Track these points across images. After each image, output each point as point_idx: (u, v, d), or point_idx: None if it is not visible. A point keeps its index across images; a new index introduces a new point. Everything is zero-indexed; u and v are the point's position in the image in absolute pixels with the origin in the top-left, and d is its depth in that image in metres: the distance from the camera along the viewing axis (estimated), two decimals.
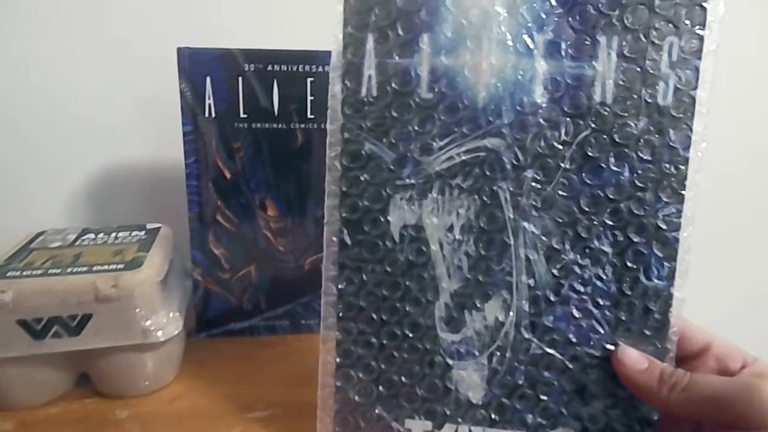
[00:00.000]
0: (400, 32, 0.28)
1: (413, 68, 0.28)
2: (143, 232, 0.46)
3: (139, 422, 0.36)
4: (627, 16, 0.27)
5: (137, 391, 0.39)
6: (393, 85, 0.28)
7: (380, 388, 0.30)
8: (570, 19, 0.27)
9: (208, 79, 0.42)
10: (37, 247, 0.42)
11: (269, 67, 0.42)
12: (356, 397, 0.30)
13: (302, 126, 0.44)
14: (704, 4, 0.26)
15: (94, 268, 0.37)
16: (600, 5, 0.27)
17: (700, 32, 0.26)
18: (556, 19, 0.27)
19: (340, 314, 0.30)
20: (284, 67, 0.43)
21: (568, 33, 0.27)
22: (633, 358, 0.28)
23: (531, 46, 0.27)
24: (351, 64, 0.28)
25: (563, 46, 0.27)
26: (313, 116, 0.44)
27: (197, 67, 0.42)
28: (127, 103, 0.56)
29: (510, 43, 0.27)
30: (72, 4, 0.53)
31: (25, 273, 0.36)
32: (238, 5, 0.56)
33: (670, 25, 0.27)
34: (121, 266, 0.38)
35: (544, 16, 0.27)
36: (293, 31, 0.52)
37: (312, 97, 0.43)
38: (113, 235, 0.45)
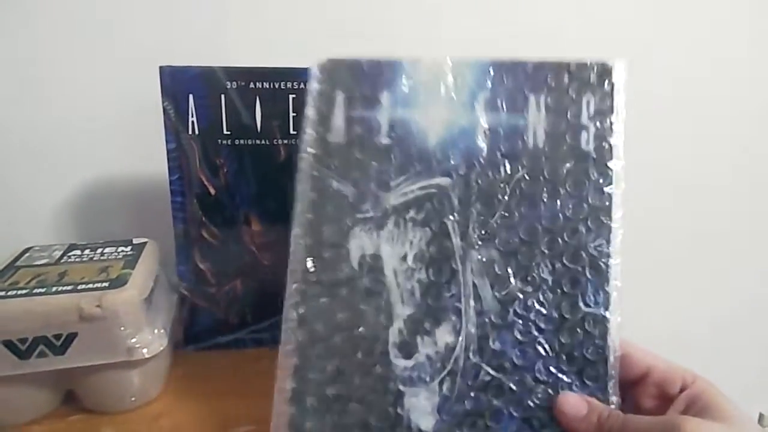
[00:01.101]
0: (366, 91, 0.32)
1: (375, 119, 0.32)
2: (129, 248, 0.46)
3: None
4: (550, 78, 0.32)
5: (123, 407, 0.39)
6: (357, 132, 0.32)
7: (334, 417, 0.30)
8: (505, 80, 0.32)
9: (190, 97, 0.43)
10: (23, 264, 0.42)
11: (251, 84, 0.43)
12: (309, 424, 0.30)
13: (285, 142, 0.44)
14: (609, 70, 0.31)
15: (79, 287, 0.38)
16: (527, 70, 0.32)
17: (609, 91, 0.31)
18: (493, 80, 0.32)
19: (300, 339, 0.31)
20: (266, 84, 0.43)
21: (504, 91, 0.32)
22: (572, 405, 0.29)
23: (474, 102, 0.32)
24: (322, 114, 0.32)
25: (500, 101, 0.32)
26: (295, 132, 0.44)
27: (180, 85, 0.42)
28: (111, 119, 0.56)
29: (455, 98, 0.32)
30: (54, 22, 0.53)
31: (10, 293, 0.37)
32: (219, 23, 0.56)
33: (585, 85, 0.31)
34: (105, 284, 0.38)
35: (484, 79, 0.32)
36: (274, 48, 0.52)
37: (294, 114, 0.44)
38: (99, 251, 0.45)
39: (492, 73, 0.32)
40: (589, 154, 0.31)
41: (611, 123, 0.31)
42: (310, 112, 0.32)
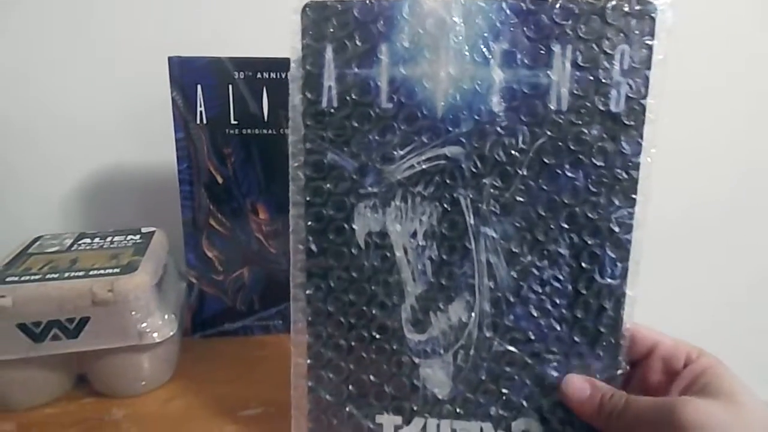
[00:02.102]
0: (358, 43, 0.28)
1: (372, 79, 0.28)
2: (138, 236, 0.47)
3: (136, 422, 0.37)
4: (580, 26, 0.27)
5: (134, 391, 0.40)
6: (353, 95, 0.29)
7: (350, 387, 0.31)
8: (525, 28, 0.27)
9: (198, 87, 0.43)
10: (35, 252, 0.43)
11: (258, 75, 0.44)
12: (328, 397, 0.31)
13: None
14: (653, 15, 0.27)
15: (91, 273, 0.38)
16: (554, 15, 0.27)
17: (649, 42, 0.27)
18: (511, 28, 0.27)
19: (309, 319, 0.31)
20: (273, 75, 0.44)
21: (524, 42, 0.27)
22: (576, 387, 0.30)
23: (487, 55, 0.28)
24: (310, 75, 0.29)
25: (519, 55, 0.27)
26: None
27: (188, 75, 0.43)
28: (120, 109, 0.57)
29: (467, 52, 0.28)
30: (65, 13, 0.54)
31: (23, 278, 0.38)
32: (226, 14, 0.57)
33: (621, 34, 0.27)
34: (117, 270, 0.39)
35: (499, 26, 0.27)
36: (281, 39, 0.52)
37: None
38: (109, 239, 0.46)
39: (510, 19, 0.27)
40: (619, 117, 0.27)
41: (647, 80, 0.27)
42: (295, 72, 0.28)
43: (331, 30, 0.28)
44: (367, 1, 0.28)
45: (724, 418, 0.25)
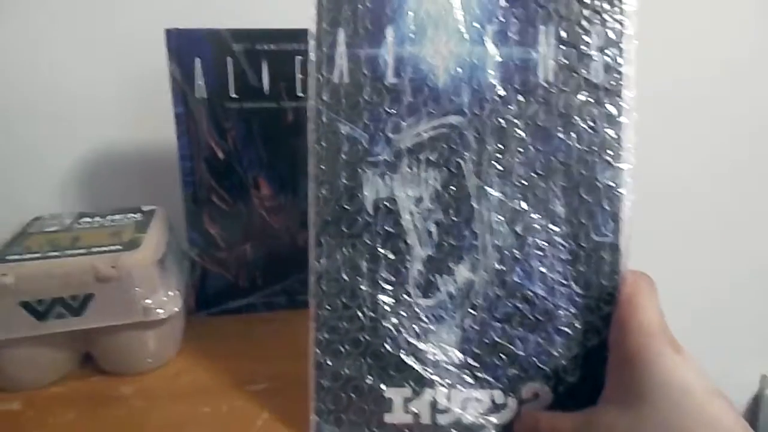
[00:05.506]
0: (368, 26, 0.31)
1: (381, 57, 0.31)
2: (139, 215, 0.46)
3: (144, 397, 0.37)
4: (561, 8, 0.31)
5: (140, 368, 0.40)
6: (364, 72, 0.31)
7: (368, 359, 0.32)
8: (514, 11, 0.31)
9: (197, 60, 0.42)
10: (35, 231, 0.43)
11: (258, 46, 0.43)
12: (346, 371, 0.32)
13: (292, 104, 0.44)
14: None
15: (93, 250, 0.38)
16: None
17: (621, 18, 0.31)
18: (502, 11, 0.31)
19: (324, 289, 0.32)
20: (273, 46, 0.43)
21: (514, 23, 0.31)
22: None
23: (483, 35, 0.31)
24: (325, 55, 0.31)
25: (510, 34, 0.31)
26: (302, 94, 0.44)
27: (186, 48, 0.42)
28: (116, 86, 0.56)
29: (465, 33, 0.31)
30: None
31: (25, 256, 0.37)
32: None
33: (596, 13, 0.31)
34: (119, 247, 0.38)
35: (492, 9, 0.31)
36: (281, 9, 0.51)
37: (301, 76, 0.44)
38: (109, 218, 0.45)
39: (500, 3, 0.31)
40: (601, 86, 0.31)
41: (621, 52, 0.31)
42: (312, 54, 0.31)
43: (344, 16, 0.31)
44: None
45: (630, 429, 0.26)
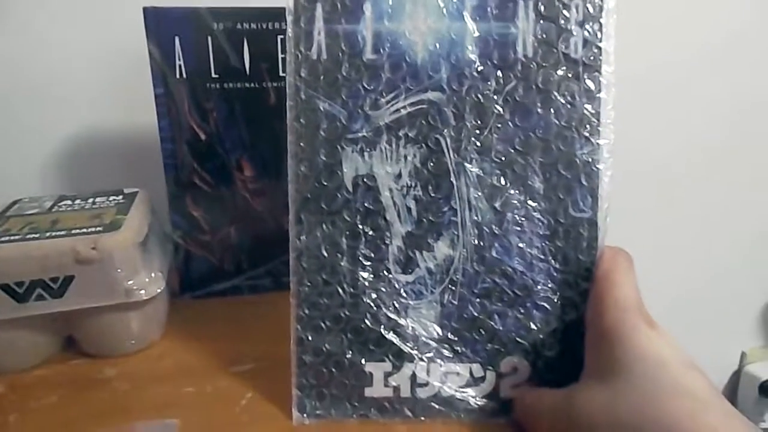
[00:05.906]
0: (346, 1, 0.31)
1: (359, 33, 0.31)
2: (121, 197, 0.46)
3: (128, 380, 0.37)
4: None
5: (123, 350, 0.40)
6: (342, 48, 0.31)
7: (348, 335, 0.32)
8: None
9: (176, 39, 0.42)
10: (14, 214, 0.42)
11: (238, 26, 0.42)
12: (327, 346, 0.32)
13: (274, 84, 0.44)
14: None
15: (73, 231, 0.37)
16: None
17: None
18: None
19: (305, 266, 0.32)
20: (254, 25, 0.42)
21: None
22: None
23: (462, 10, 0.31)
24: (303, 31, 0.31)
25: (489, 9, 0.31)
26: (285, 75, 0.44)
27: (165, 27, 0.41)
28: (94, 67, 0.55)
29: (444, 8, 0.31)
30: None
31: (3, 239, 0.37)
32: None
33: None
34: (100, 228, 0.38)
35: None
36: None
37: (283, 56, 0.43)
38: (90, 200, 0.45)
39: None
40: (580, 61, 0.31)
41: (601, 27, 0.30)
42: (290, 30, 0.31)
43: None
44: None
45: (607, 404, 0.26)
